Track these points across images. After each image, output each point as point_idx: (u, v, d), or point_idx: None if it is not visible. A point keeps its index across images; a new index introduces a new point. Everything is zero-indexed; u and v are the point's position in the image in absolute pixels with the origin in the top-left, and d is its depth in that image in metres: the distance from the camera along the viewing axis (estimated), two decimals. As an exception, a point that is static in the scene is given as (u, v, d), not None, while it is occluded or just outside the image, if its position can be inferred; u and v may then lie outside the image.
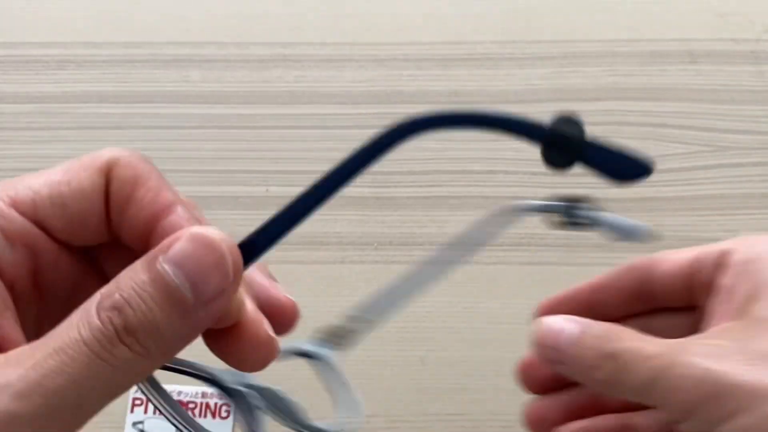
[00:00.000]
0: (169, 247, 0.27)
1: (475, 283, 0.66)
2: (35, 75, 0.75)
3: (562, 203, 0.29)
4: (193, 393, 0.64)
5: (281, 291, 0.32)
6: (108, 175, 0.30)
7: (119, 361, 0.26)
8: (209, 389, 0.41)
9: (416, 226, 0.66)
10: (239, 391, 0.38)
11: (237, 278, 0.28)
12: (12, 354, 0.27)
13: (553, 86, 0.72)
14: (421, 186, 0.67)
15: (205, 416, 0.60)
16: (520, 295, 0.62)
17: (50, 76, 0.75)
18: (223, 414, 0.61)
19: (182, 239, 0.27)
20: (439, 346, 0.64)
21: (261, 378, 0.41)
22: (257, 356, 0.30)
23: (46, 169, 0.31)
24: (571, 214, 0.29)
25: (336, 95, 0.73)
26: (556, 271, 0.64)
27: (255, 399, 0.38)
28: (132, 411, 0.65)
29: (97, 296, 0.27)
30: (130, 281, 0.27)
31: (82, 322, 0.26)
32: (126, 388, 0.27)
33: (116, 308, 0.26)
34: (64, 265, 0.31)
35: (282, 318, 0.31)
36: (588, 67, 0.73)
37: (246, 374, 0.40)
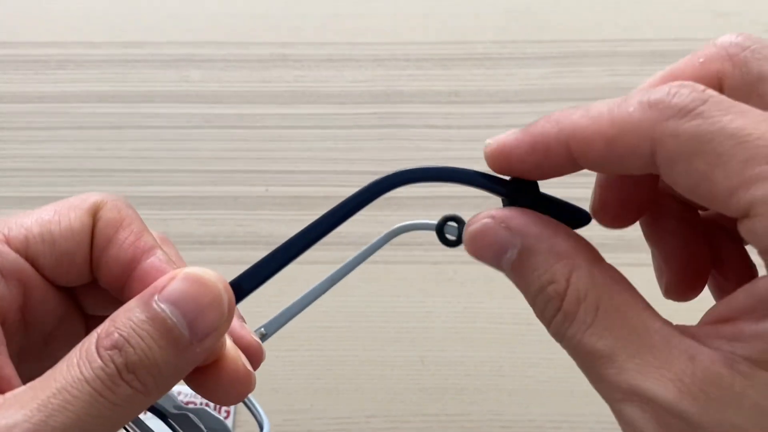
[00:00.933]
0: (163, 286, 0.28)
1: (474, 283, 0.66)
2: (35, 75, 0.75)
3: (436, 222, 0.32)
4: (193, 393, 0.64)
5: (249, 332, 0.34)
6: (95, 215, 0.32)
7: (120, 398, 0.27)
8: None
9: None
10: (184, 415, 0.40)
11: (230, 315, 0.29)
12: (13, 395, 0.28)
13: (553, 86, 0.72)
14: (420, 186, 0.67)
15: (205, 416, 0.59)
16: (520, 295, 0.62)
17: (50, 76, 0.75)
18: (223, 414, 0.61)
19: (178, 279, 0.29)
20: (439, 346, 0.64)
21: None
22: (237, 390, 0.31)
23: (37, 209, 0.32)
24: (441, 232, 0.32)
25: (336, 95, 0.73)
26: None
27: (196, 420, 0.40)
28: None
29: (94, 335, 0.28)
30: (128, 320, 0.28)
31: (82, 361, 0.27)
32: (124, 422, 0.28)
33: (117, 347, 0.27)
34: (50, 301, 0.32)
35: (249, 359, 0.33)
36: (588, 66, 0.73)
37: (176, 397, 0.42)
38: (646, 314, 0.27)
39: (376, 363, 0.63)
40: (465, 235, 0.30)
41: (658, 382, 0.26)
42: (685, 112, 0.26)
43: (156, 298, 0.28)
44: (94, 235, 0.32)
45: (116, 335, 0.28)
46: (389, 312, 0.64)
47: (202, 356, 0.29)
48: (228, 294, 0.29)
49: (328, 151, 0.71)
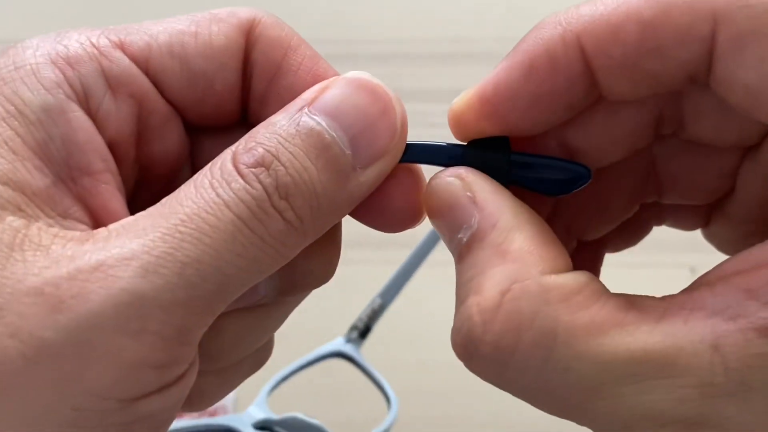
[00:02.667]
0: (314, 97, 0.22)
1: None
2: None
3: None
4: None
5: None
6: (249, 35, 0.24)
7: (269, 232, 0.21)
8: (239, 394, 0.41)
9: (417, 226, 0.66)
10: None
11: (403, 136, 0.23)
12: (122, 224, 0.21)
13: (555, 84, 0.72)
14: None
15: (201, 417, 0.59)
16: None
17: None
18: (220, 414, 0.61)
19: (335, 86, 0.22)
20: (440, 348, 0.63)
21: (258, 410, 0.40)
22: (405, 218, 0.24)
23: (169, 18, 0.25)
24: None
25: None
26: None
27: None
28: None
29: (227, 152, 0.21)
30: (272, 135, 0.21)
31: (218, 181, 0.21)
32: (267, 273, 0.22)
33: (263, 164, 0.21)
34: (174, 135, 0.25)
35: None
36: (590, 64, 0.72)
37: (255, 412, 0.39)
38: (619, 333, 0.20)
39: (377, 366, 0.62)
40: (425, 189, 0.24)
41: (674, 403, 0.19)
42: None
43: (308, 109, 0.22)
44: (250, 60, 0.24)
45: (260, 149, 0.21)
46: (390, 312, 0.64)
47: (364, 192, 0.22)
48: (400, 108, 0.23)
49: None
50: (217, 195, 0.21)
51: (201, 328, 0.21)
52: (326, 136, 0.21)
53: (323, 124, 0.22)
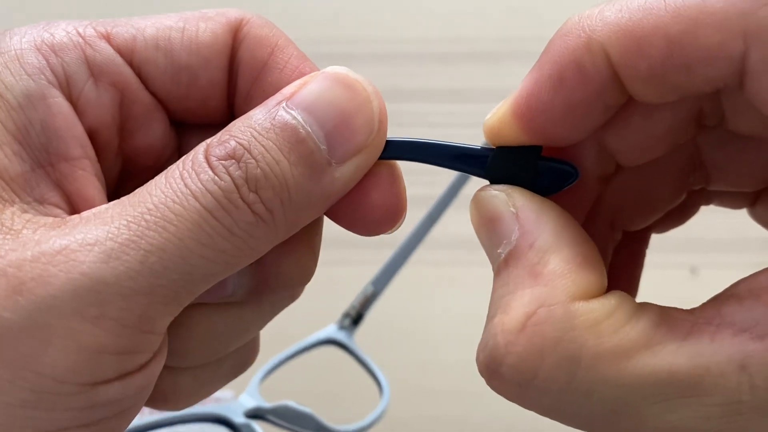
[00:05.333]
0: (294, 92, 0.22)
1: (476, 284, 0.66)
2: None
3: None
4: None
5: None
6: (237, 34, 0.25)
7: (239, 225, 0.21)
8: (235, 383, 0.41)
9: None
10: (248, 425, 0.37)
11: (382, 132, 0.23)
12: (93, 212, 0.21)
13: (555, 84, 0.72)
14: (420, 186, 0.67)
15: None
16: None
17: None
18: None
19: (314, 81, 0.22)
20: (440, 348, 0.63)
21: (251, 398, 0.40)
22: (383, 219, 0.24)
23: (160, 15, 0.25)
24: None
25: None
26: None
27: (274, 420, 0.37)
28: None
29: (203, 144, 0.22)
30: (247, 128, 0.21)
31: (188, 172, 0.21)
32: (235, 266, 0.21)
33: (233, 157, 0.21)
34: (156, 132, 0.25)
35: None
36: (590, 64, 0.72)
37: (246, 401, 0.39)
38: (644, 355, 0.20)
39: (377, 365, 0.62)
40: (471, 199, 0.23)
41: (700, 421, 0.19)
42: None
43: (285, 104, 0.22)
44: (236, 58, 0.24)
45: (233, 142, 0.21)
46: (390, 312, 0.64)
47: (341, 188, 0.22)
48: (379, 103, 0.23)
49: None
50: (185, 185, 0.21)
51: (165, 317, 0.21)
52: (301, 130, 0.21)
53: (299, 118, 0.22)
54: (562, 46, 0.21)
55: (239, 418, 0.38)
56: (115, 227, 0.20)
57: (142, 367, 0.22)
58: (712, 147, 0.25)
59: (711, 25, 0.19)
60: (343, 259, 0.56)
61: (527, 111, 0.22)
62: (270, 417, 0.39)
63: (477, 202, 0.23)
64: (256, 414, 0.38)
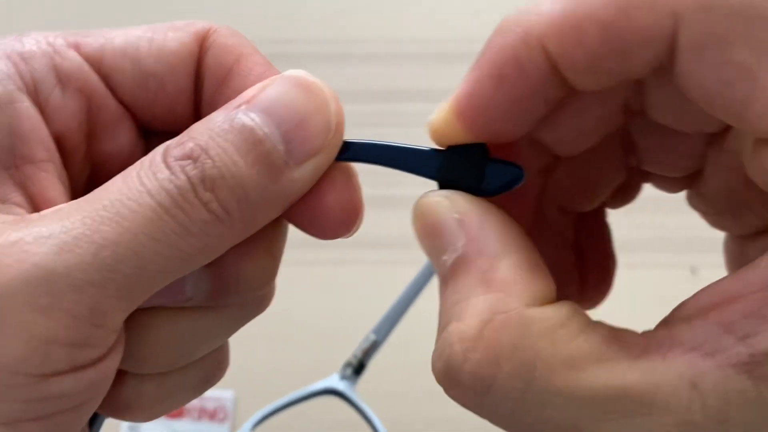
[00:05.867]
0: (253, 96, 0.22)
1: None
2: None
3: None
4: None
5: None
6: (203, 43, 0.25)
7: (193, 222, 0.21)
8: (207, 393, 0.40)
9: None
10: None
11: (338, 133, 0.23)
12: (53, 210, 0.22)
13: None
14: (420, 186, 0.67)
15: (201, 419, 0.59)
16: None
17: None
18: (220, 416, 0.61)
19: (273, 84, 0.22)
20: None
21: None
22: (341, 221, 0.24)
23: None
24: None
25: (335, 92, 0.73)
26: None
27: None
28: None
29: (162, 146, 0.22)
30: (207, 130, 0.22)
31: (144, 172, 0.21)
32: (191, 264, 0.22)
33: (191, 157, 0.21)
34: (124, 138, 0.25)
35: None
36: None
37: None
38: (598, 369, 0.19)
39: (377, 367, 0.62)
40: (414, 207, 0.23)
41: None
42: None
43: (244, 107, 0.22)
44: (202, 66, 0.25)
45: (191, 144, 0.21)
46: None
47: (298, 189, 0.22)
48: (336, 105, 0.23)
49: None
50: (141, 183, 0.21)
51: (118, 312, 0.21)
52: (258, 131, 0.22)
53: (257, 120, 0.22)
54: (501, 44, 0.22)
55: None
56: (70, 222, 0.21)
57: (95, 361, 0.22)
58: (640, 132, 0.25)
59: (642, 6, 0.19)
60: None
61: (469, 109, 0.22)
62: None
63: (419, 208, 0.23)
64: None
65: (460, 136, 0.23)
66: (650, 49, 0.20)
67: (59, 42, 0.24)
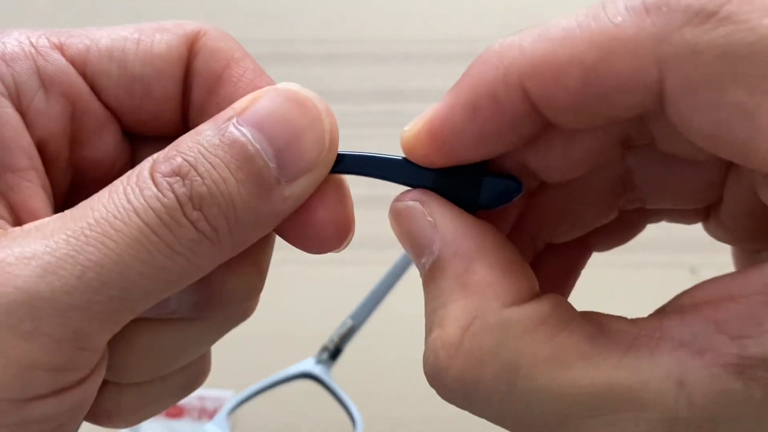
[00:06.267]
0: (245, 107, 0.21)
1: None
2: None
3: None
4: (190, 395, 0.64)
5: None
6: (193, 46, 0.24)
7: (181, 242, 0.20)
8: (206, 393, 0.40)
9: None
10: None
11: (332, 150, 0.22)
12: (35, 225, 0.21)
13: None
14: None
15: (201, 419, 0.59)
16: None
17: None
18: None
19: (265, 96, 0.22)
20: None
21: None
22: (330, 237, 0.23)
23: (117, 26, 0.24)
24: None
25: (336, 93, 0.73)
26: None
27: None
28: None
29: (149, 160, 0.21)
30: (195, 144, 0.21)
31: (131, 188, 0.21)
32: (178, 284, 0.21)
33: (179, 174, 0.20)
34: (108, 144, 0.24)
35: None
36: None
37: (212, 430, 0.38)
38: (584, 366, 0.19)
39: (376, 365, 0.62)
40: (389, 212, 0.23)
41: None
42: (705, 15, 0.18)
43: (235, 120, 0.21)
44: (191, 70, 0.24)
45: (179, 159, 0.21)
46: (392, 312, 0.64)
47: (290, 206, 0.22)
48: (330, 120, 0.22)
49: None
50: (128, 201, 0.20)
51: (102, 334, 0.21)
52: (250, 147, 0.21)
53: (248, 135, 0.21)
54: (480, 75, 0.21)
55: None
56: (54, 241, 0.20)
57: (78, 383, 0.21)
58: (643, 168, 0.24)
59: (624, 53, 0.19)
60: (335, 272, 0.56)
61: (440, 134, 0.22)
62: None
63: (394, 214, 0.23)
64: None
65: (427, 156, 0.22)
66: (633, 95, 0.19)
67: (42, 42, 0.24)
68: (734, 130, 0.18)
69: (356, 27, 0.77)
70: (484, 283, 0.21)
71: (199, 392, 0.62)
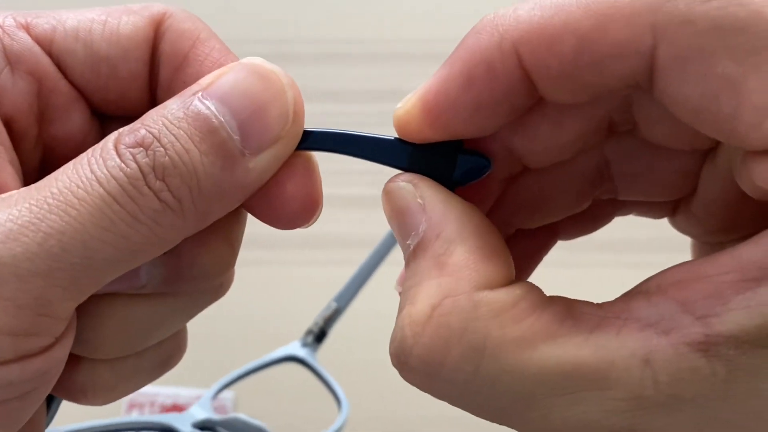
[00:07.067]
0: (210, 83, 0.22)
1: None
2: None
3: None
4: (190, 395, 0.64)
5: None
6: (159, 27, 0.25)
7: (143, 212, 0.21)
8: (204, 392, 0.40)
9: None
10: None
11: (297, 123, 0.23)
12: (4, 196, 0.21)
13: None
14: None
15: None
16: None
17: None
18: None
19: (230, 71, 0.22)
20: None
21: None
22: (300, 210, 0.24)
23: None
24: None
25: (336, 93, 0.73)
26: (557, 274, 0.63)
27: None
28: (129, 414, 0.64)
29: (114, 133, 0.22)
30: (160, 117, 0.21)
31: (95, 159, 0.21)
32: (142, 255, 0.22)
33: (142, 145, 0.21)
34: (76, 122, 0.25)
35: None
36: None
37: (197, 412, 0.38)
38: (549, 346, 0.20)
39: (377, 364, 0.62)
40: (382, 191, 0.23)
41: (604, 414, 0.19)
42: None
43: (200, 94, 0.22)
44: (158, 51, 0.24)
45: (143, 131, 0.21)
46: (383, 316, 0.64)
47: (255, 179, 0.22)
48: (294, 93, 0.23)
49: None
50: (91, 171, 0.21)
51: (65, 302, 0.21)
52: (213, 120, 0.21)
53: (212, 108, 0.21)
54: (474, 45, 0.21)
55: (186, 428, 0.37)
56: (17, 210, 0.20)
57: (42, 351, 0.21)
58: (621, 157, 0.25)
59: (620, 19, 0.19)
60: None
61: (435, 107, 0.22)
62: (220, 429, 0.38)
63: (386, 193, 0.23)
64: (204, 425, 0.38)
65: (422, 131, 0.23)
66: (627, 63, 0.19)
67: (9, 22, 0.24)
68: (720, 102, 0.19)
69: (356, 27, 0.77)
70: (461, 265, 0.21)
71: (198, 392, 0.62)
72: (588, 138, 0.23)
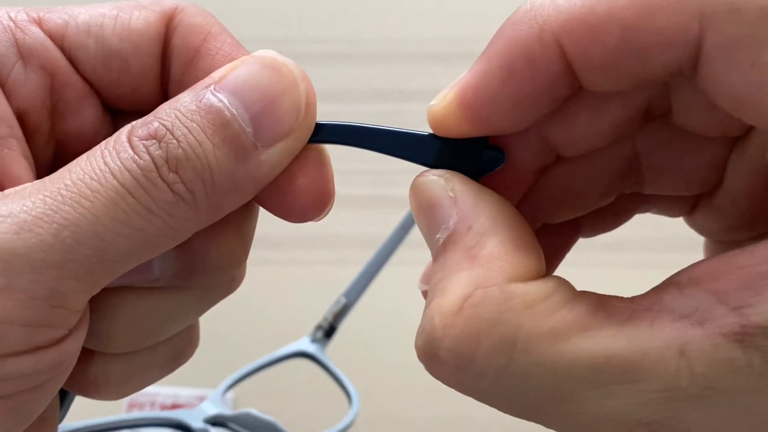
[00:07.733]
0: (223, 76, 0.22)
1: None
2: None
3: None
4: (190, 395, 0.64)
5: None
6: (170, 22, 0.25)
7: (157, 204, 0.21)
8: (205, 392, 0.40)
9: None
10: (206, 431, 0.37)
11: (309, 116, 0.23)
12: (16, 189, 0.21)
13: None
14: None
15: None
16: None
17: None
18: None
19: (242, 64, 0.22)
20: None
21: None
22: (311, 205, 0.24)
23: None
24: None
25: (336, 93, 0.73)
26: (560, 273, 0.63)
27: (235, 427, 0.37)
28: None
29: (128, 126, 0.22)
30: (173, 110, 0.22)
31: (108, 151, 0.21)
32: (156, 248, 0.22)
33: (155, 137, 0.21)
34: (89, 116, 0.25)
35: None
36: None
37: (208, 408, 0.39)
38: (582, 339, 0.19)
39: (381, 364, 0.62)
40: (411, 186, 0.23)
41: (638, 407, 0.19)
42: None
43: (213, 87, 0.22)
44: (169, 46, 0.25)
45: (156, 123, 0.21)
46: (393, 311, 0.64)
47: (267, 172, 0.22)
48: (306, 86, 0.23)
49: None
50: (105, 163, 0.21)
51: (79, 293, 0.21)
52: (226, 113, 0.22)
53: (225, 101, 0.22)
54: (513, 37, 0.21)
55: (198, 424, 0.37)
56: (31, 201, 0.20)
57: (56, 342, 0.21)
58: (651, 148, 0.25)
59: (667, 7, 0.19)
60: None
61: (473, 103, 0.22)
62: (231, 425, 0.38)
63: (416, 188, 0.23)
64: (216, 421, 0.38)
65: (460, 127, 0.22)
66: (672, 51, 0.19)
67: (21, 17, 0.24)
68: (765, 91, 0.18)
69: (356, 27, 0.77)
70: (493, 256, 0.21)
71: (198, 392, 0.62)
72: (624, 125, 0.23)
